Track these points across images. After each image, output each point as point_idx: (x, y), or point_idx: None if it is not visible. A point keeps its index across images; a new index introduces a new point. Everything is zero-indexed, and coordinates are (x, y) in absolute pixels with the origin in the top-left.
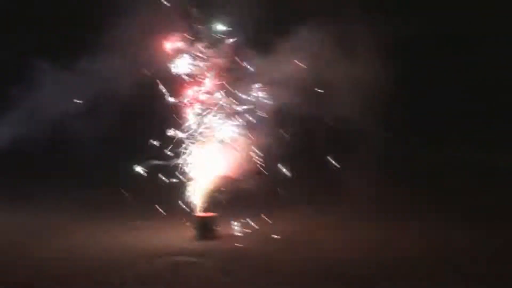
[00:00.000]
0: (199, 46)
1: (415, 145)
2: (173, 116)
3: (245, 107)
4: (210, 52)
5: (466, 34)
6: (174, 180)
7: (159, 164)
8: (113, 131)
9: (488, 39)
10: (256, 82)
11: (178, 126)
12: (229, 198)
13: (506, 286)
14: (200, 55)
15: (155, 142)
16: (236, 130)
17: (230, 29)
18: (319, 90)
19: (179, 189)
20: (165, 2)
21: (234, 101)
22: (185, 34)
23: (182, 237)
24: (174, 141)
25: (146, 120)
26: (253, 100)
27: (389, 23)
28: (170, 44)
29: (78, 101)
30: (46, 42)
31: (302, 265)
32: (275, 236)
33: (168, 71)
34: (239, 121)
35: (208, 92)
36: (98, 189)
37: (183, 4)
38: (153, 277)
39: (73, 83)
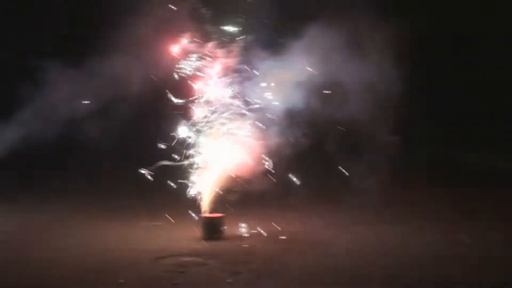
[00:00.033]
0: (209, 46)
1: (415, 145)
2: (181, 118)
3: (255, 107)
4: (219, 52)
5: (466, 34)
6: (182, 181)
7: (167, 165)
8: (121, 133)
9: (488, 39)
10: (266, 83)
11: (186, 127)
12: (237, 198)
13: None
14: (210, 55)
15: (163, 146)
16: (246, 131)
17: (240, 29)
18: (328, 92)
19: (186, 190)
20: (173, 7)
21: (243, 102)
22: (194, 35)
23: (188, 237)
24: (182, 142)
25: (154, 122)
26: (262, 102)
27: (389, 24)
28: (178, 45)
29: (85, 102)
30: (56, 43)
31: (310, 266)
32: (283, 237)
33: (176, 72)
34: (249, 122)
35: (217, 93)
36: (105, 192)
37: (192, 4)
38: (158, 278)
39: (81, 84)
